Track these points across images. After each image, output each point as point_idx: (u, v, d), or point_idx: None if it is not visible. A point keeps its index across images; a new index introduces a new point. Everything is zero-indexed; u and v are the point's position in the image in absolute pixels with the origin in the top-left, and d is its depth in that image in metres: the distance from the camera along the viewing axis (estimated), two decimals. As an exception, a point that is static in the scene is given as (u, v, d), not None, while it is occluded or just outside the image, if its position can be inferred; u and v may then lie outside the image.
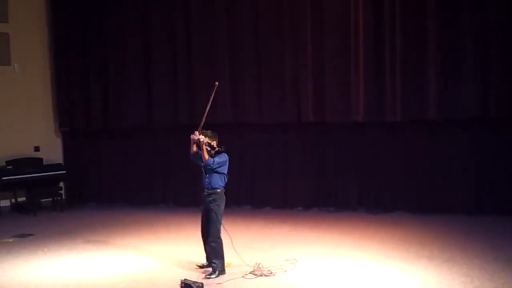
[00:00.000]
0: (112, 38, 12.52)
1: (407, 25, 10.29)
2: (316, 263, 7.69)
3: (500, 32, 9.83)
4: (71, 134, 13.21)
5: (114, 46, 12.51)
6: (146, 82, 12.32)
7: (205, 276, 7.22)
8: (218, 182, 7.26)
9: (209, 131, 7.33)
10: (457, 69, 10.08)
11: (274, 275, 7.24)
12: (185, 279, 6.86)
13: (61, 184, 12.68)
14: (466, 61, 10.01)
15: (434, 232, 9.21)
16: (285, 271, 7.39)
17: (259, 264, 7.41)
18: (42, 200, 12.24)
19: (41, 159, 12.49)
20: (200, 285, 6.75)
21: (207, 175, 7.24)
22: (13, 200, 12.28)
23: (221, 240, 7.31)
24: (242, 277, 7.19)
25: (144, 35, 12.27)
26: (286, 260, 7.75)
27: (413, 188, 10.69)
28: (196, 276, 7.21)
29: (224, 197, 7.35)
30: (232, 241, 7.40)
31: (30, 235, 9.92)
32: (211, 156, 7.18)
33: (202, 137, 7.15)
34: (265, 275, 7.21)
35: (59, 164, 12.74)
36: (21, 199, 12.26)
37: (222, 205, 7.32)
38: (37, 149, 12.55)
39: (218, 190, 7.26)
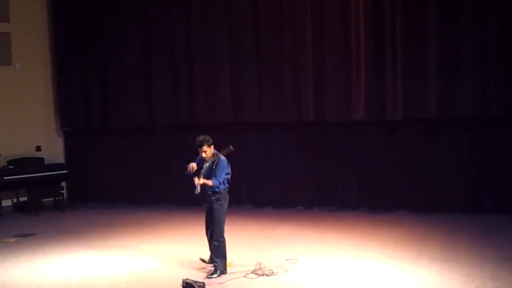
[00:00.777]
0: (112, 37, 12.57)
1: (407, 25, 10.29)
2: (317, 263, 7.71)
3: (500, 32, 9.84)
4: (72, 134, 13.24)
5: (114, 46, 12.55)
6: (146, 82, 12.35)
7: (207, 275, 7.24)
8: (221, 183, 7.26)
9: (206, 136, 7.31)
10: (457, 69, 10.09)
11: (275, 274, 7.25)
12: (187, 279, 6.88)
13: (63, 183, 12.71)
14: (466, 61, 10.02)
15: (435, 232, 9.23)
16: (286, 270, 7.41)
17: (260, 263, 7.43)
18: (44, 200, 12.29)
19: (42, 159, 12.53)
20: (202, 284, 6.77)
21: (210, 175, 7.25)
22: (14, 200, 12.31)
23: (224, 239, 7.33)
24: (244, 276, 7.21)
25: (144, 34, 12.30)
26: (287, 259, 7.76)
27: (414, 188, 10.69)
28: (197, 275, 7.23)
29: (228, 197, 7.37)
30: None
31: (32, 234, 9.96)
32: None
33: (198, 181, 7.06)
34: (267, 275, 7.22)
35: (60, 164, 12.77)
36: (23, 198, 12.29)
37: (225, 205, 7.35)
38: (38, 148, 12.57)
39: (222, 190, 7.28)
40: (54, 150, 13.04)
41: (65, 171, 12.54)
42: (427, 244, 8.45)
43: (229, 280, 7.12)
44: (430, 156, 10.59)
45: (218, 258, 7.30)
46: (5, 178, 11.73)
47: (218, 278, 7.17)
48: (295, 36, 11.12)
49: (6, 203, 12.19)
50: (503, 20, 9.80)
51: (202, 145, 7.21)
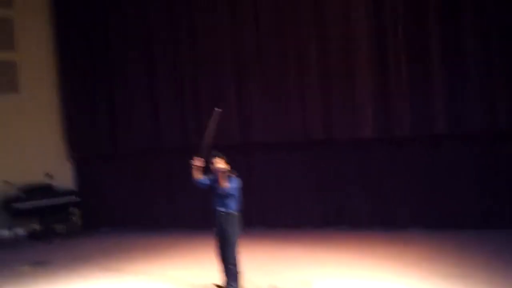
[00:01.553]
0: (118, 62, 12.70)
1: (411, 40, 10.32)
2: (331, 284, 7.67)
3: (505, 44, 9.81)
4: (82, 160, 13.33)
5: (121, 71, 12.71)
6: (153, 106, 12.47)
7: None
8: (234, 205, 7.29)
9: (220, 154, 7.33)
10: (463, 83, 10.07)
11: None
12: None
13: (74, 210, 12.75)
14: (472, 74, 9.99)
15: (448, 248, 9.18)
16: (300, 293, 7.40)
17: (273, 286, 7.41)
18: (56, 226, 12.31)
19: (53, 186, 12.57)
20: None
21: (221, 199, 7.25)
22: (28, 228, 12.34)
23: (238, 262, 7.31)
24: (258, 300, 7.21)
25: (149, 58, 12.45)
26: (301, 281, 7.73)
27: (425, 204, 10.62)
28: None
29: (241, 220, 7.37)
30: None
31: (46, 262, 9.97)
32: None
33: (222, 166, 7.11)
34: (280, 298, 7.24)
35: (71, 190, 12.83)
36: (36, 226, 12.31)
37: (238, 228, 7.35)
38: (49, 175, 12.64)
39: (235, 213, 7.29)
40: (65, 177, 13.10)
41: (76, 197, 12.62)
42: (440, 262, 8.40)
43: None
44: (440, 172, 10.52)
45: (233, 281, 7.29)
46: (17, 206, 11.78)
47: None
48: (299, 54, 11.17)
49: (19, 231, 12.22)
50: (507, 31, 9.76)
51: (215, 157, 7.23)
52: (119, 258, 9.97)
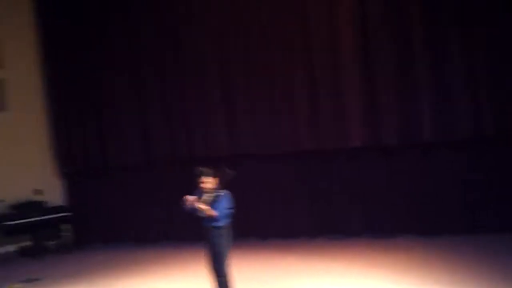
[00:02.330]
0: (106, 78, 12.71)
1: (397, 48, 10.41)
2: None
3: (488, 50, 9.91)
4: (72, 176, 13.31)
5: (109, 86, 12.70)
6: (141, 119, 12.48)
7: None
8: (223, 219, 7.28)
9: (206, 168, 7.31)
10: (449, 90, 10.14)
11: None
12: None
13: (66, 226, 12.71)
14: (458, 81, 10.06)
15: (440, 255, 9.20)
16: (294, 303, 7.43)
17: (267, 297, 7.44)
18: (48, 243, 12.26)
19: (44, 202, 12.54)
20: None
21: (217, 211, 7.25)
22: (19, 245, 12.28)
23: (227, 274, 7.30)
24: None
25: (137, 74, 12.46)
26: (293, 291, 7.76)
27: (417, 211, 10.63)
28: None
29: (231, 231, 7.37)
30: None
31: (37, 279, 9.93)
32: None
33: (202, 206, 7.09)
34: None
35: (62, 206, 12.79)
36: (27, 243, 12.27)
37: (228, 239, 7.33)
38: (39, 192, 12.59)
39: (223, 224, 7.28)
40: (55, 193, 13.07)
41: (68, 213, 12.58)
42: (433, 268, 8.43)
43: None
44: (429, 179, 10.58)
45: (225, 294, 7.31)
46: (7, 223, 11.73)
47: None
48: (287, 66, 11.22)
49: (10, 248, 12.16)
50: (493, 37, 9.85)
51: (201, 175, 7.23)
52: (111, 274, 9.95)
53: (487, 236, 10.02)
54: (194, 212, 7.17)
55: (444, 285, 7.61)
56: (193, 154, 11.98)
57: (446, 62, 10.16)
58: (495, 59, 9.89)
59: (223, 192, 7.28)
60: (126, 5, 12.61)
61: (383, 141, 10.61)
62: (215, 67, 11.81)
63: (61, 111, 13.16)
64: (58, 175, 13.39)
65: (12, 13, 12.92)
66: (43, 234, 12.12)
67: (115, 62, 12.63)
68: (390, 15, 10.43)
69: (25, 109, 13.00)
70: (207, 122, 11.91)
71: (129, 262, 10.81)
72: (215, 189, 7.27)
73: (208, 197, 7.16)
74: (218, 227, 7.24)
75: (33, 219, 12.02)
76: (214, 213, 7.09)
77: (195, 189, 7.36)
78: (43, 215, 12.21)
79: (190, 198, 7.13)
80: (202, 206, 7.04)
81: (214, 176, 7.30)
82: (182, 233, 12.07)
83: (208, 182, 7.24)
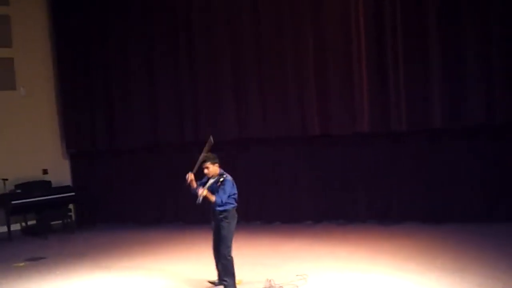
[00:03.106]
0: (115, 57, 12.65)
1: (409, 34, 10.29)
2: (328, 278, 7.66)
3: (502, 38, 9.78)
4: (78, 156, 13.31)
5: (118, 66, 12.64)
6: (150, 101, 12.42)
7: (217, 295, 7.22)
8: (228, 203, 7.24)
9: (210, 154, 7.32)
10: (461, 76, 10.05)
11: (286, 291, 7.21)
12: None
13: (71, 206, 12.73)
14: (469, 68, 9.97)
15: (445, 242, 9.16)
16: (297, 286, 7.36)
17: (270, 280, 7.40)
18: (52, 222, 12.28)
19: (49, 182, 12.54)
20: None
21: (217, 196, 7.22)
22: (23, 224, 12.33)
23: (231, 257, 7.29)
24: (254, 294, 7.19)
25: (148, 53, 12.39)
26: (297, 275, 7.71)
27: (423, 198, 10.59)
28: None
29: (236, 215, 7.35)
30: None
31: (42, 258, 9.96)
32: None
33: (202, 192, 7.07)
34: (277, 292, 7.19)
35: (67, 186, 12.80)
36: (32, 222, 12.30)
37: (233, 223, 7.32)
38: (45, 172, 12.58)
39: (229, 208, 7.26)
40: (61, 173, 13.07)
41: (73, 193, 12.55)
42: (438, 256, 8.37)
43: (239, 298, 7.10)
44: (438, 165, 10.49)
45: (227, 276, 7.27)
46: (13, 202, 11.76)
47: (228, 296, 7.14)
48: (296, 49, 11.14)
49: (15, 227, 12.19)
50: (505, 22, 9.72)
51: (205, 161, 7.22)
52: (115, 254, 9.95)
53: (495, 224, 9.93)
54: (195, 193, 7.14)
55: (449, 272, 7.54)
56: (201, 138, 11.90)
57: (458, 48, 10.04)
58: (508, 47, 9.75)
59: (226, 177, 7.23)
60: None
61: (392, 127, 10.50)
62: (226, 52, 11.72)
63: (70, 91, 13.10)
64: (65, 155, 13.37)
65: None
66: (49, 213, 12.11)
67: (126, 44, 12.55)
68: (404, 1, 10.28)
69: (34, 88, 12.96)
70: (216, 105, 11.83)
71: (133, 243, 10.80)
72: (218, 174, 7.25)
73: (211, 183, 7.18)
74: (224, 211, 7.22)
75: (38, 199, 12.00)
76: (213, 198, 7.09)
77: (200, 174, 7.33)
78: (49, 195, 12.19)
79: (190, 174, 7.13)
80: (203, 193, 7.03)
81: (218, 161, 7.30)
82: (187, 216, 12.05)
83: (212, 167, 7.22)
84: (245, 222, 11.18)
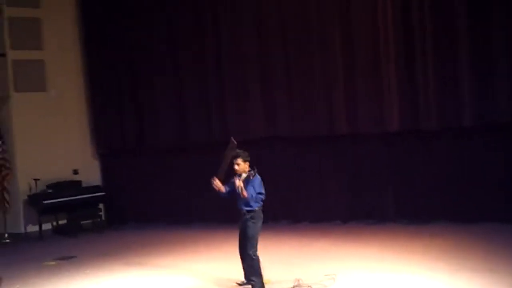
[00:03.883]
0: (143, 58, 12.75)
1: (437, 31, 10.18)
2: (357, 278, 7.60)
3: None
4: (108, 156, 13.45)
5: (146, 67, 12.73)
6: (178, 102, 12.49)
7: (245, 294, 7.22)
8: (255, 202, 7.23)
9: (242, 152, 7.33)
10: (490, 74, 9.90)
11: (314, 290, 7.18)
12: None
13: (100, 205, 12.88)
14: (500, 65, 9.81)
15: (476, 242, 9.02)
16: (325, 286, 7.32)
17: (298, 280, 7.38)
18: (83, 222, 12.44)
19: (80, 182, 12.72)
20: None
21: (243, 198, 7.22)
22: (54, 223, 12.50)
23: (257, 257, 7.26)
24: (282, 293, 7.15)
25: (175, 54, 12.45)
26: (326, 275, 7.66)
27: (453, 197, 10.43)
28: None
29: (262, 215, 7.33)
30: None
31: (72, 257, 10.08)
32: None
33: (238, 183, 7.09)
34: (305, 291, 7.16)
35: (97, 186, 12.96)
36: (62, 222, 12.47)
37: (260, 223, 7.31)
38: (75, 172, 12.76)
39: (256, 208, 7.25)
40: (91, 173, 13.23)
41: (103, 193, 12.73)
42: (468, 256, 8.25)
43: (268, 298, 7.07)
44: (467, 164, 10.35)
45: (254, 276, 7.24)
46: (44, 202, 11.96)
47: (257, 296, 7.13)
48: (324, 48, 11.10)
49: (46, 226, 12.36)
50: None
51: (237, 157, 7.23)
52: (144, 253, 10.02)
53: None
54: (224, 196, 7.19)
55: (480, 273, 7.41)
56: (228, 138, 11.90)
57: (488, 46, 9.88)
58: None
59: (255, 175, 7.23)
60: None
61: (421, 126, 10.39)
62: (253, 51, 11.72)
63: (100, 93, 13.27)
64: (95, 155, 13.53)
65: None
66: (79, 213, 12.28)
67: (153, 45, 12.64)
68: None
69: (64, 89, 13.12)
70: (243, 104, 11.84)
71: (162, 242, 10.87)
72: (248, 172, 7.25)
73: (241, 180, 7.16)
74: (250, 211, 7.22)
75: (69, 198, 12.19)
76: (245, 193, 7.06)
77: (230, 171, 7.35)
78: (79, 195, 12.37)
79: (219, 186, 7.24)
80: (240, 183, 7.03)
81: (249, 160, 7.29)
82: (216, 215, 12.05)
83: (242, 165, 7.22)
84: (273, 222, 11.18)
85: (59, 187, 12.31)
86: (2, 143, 12.27)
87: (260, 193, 7.25)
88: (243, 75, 11.81)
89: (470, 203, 10.31)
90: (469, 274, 7.38)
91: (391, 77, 10.51)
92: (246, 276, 7.40)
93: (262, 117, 11.68)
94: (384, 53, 10.53)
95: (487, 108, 9.90)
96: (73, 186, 12.57)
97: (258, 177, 7.25)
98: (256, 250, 7.24)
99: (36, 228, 12.14)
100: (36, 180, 12.08)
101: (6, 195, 12.17)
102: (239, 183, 7.06)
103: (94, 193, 12.64)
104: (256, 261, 7.24)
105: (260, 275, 7.26)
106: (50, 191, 12.22)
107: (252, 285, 7.24)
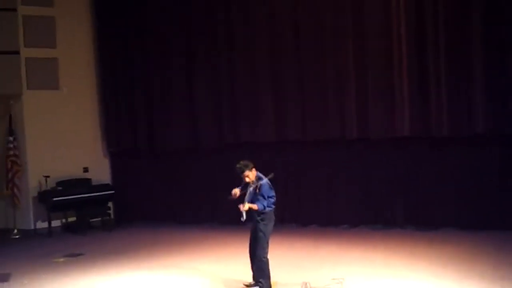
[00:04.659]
0: (156, 59, 12.78)
1: (450, 37, 10.14)
2: (364, 282, 7.60)
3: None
4: (118, 155, 13.49)
5: (159, 67, 12.76)
6: (190, 104, 12.50)
7: (253, 296, 7.23)
8: (265, 204, 7.24)
9: (244, 161, 7.34)
10: (503, 82, 9.85)
11: (321, 294, 7.18)
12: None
13: (110, 204, 12.93)
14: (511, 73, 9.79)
15: (485, 250, 8.98)
16: (333, 290, 7.33)
17: (306, 283, 7.36)
18: (91, 220, 12.49)
19: (90, 180, 12.78)
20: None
21: (253, 200, 7.23)
22: (63, 220, 12.56)
23: (267, 259, 7.29)
24: (289, 296, 7.18)
25: (187, 57, 12.47)
26: (333, 279, 7.66)
27: (462, 204, 10.39)
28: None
29: (273, 217, 7.36)
30: None
31: (80, 254, 10.13)
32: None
33: (243, 208, 7.07)
34: (313, 295, 7.16)
35: (107, 185, 13.02)
36: (72, 219, 12.53)
37: (270, 225, 7.33)
38: (86, 170, 12.82)
39: (267, 210, 7.27)
40: (101, 171, 13.29)
41: (112, 192, 12.79)
42: (477, 263, 8.22)
43: (275, 300, 7.09)
44: (478, 171, 10.29)
45: (262, 278, 7.26)
46: (54, 199, 12.03)
47: (264, 298, 7.14)
48: (336, 53, 11.08)
49: (56, 223, 12.43)
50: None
51: (243, 172, 7.26)
52: (153, 252, 10.06)
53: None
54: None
55: (489, 280, 7.39)
56: (240, 140, 11.97)
57: (501, 54, 9.83)
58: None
59: (262, 181, 7.24)
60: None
61: (433, 132, 10.35)
62: (265, 55, 11.72)
63: (112, 92, 13.32)
64: (106, 154, 13.59)
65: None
66: (88, 211, 12.33)
67: (166, 46, 12.68)
68: (447, 4, 10.13)
69: (77, 88, 13.17)
70: (254, 108, 11.85)
71: (170, 242, 10.91)
72: (256, 179, 7.27)
73: (250, 191, 7.21)
74: (262, 213, 7.25)
75: (78, 196, 12.25)
76: (255, 207, 7.14)
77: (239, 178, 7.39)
78: (89, 193, 12.43)
79: (235, 191, 7.28)
80: (244, 208, 7.05)
81: (252, 167, 7.31)
82: (224, 216, 12.03)
83: (251, 174, 7.26)
84: (281, 225, 11.13)
85: (69, 185, 12.37)
86: (14, 140, 12.37)
87: (270, 197, 7.26)
88: (255, 79, 11.80)
89: (480, 210, 10.27)
90: (478, 282, 7.35)
91: (403, 83, 10.48)
92: (254, 278, 7.40)
93: (273, 122, 11.66)
94: (397, 60, 10.49)
95: (500, 115, 9.85)
96: (83, 184, 12.62)
97: (264, 183, 7.24)
98: (266, 253, 7.27)
99: (45, 225, 12.21)
100: (46, 177, 12.14)
101: (16, 192, 12.26)
102: (243, 208, 7.06)
103: (104, 191, 12.70)
104: (265, 263, 7.27)
105: (268, 278, 7.29)
106: (60, 188, 12.29)
107: (259, 286, 7.25)
